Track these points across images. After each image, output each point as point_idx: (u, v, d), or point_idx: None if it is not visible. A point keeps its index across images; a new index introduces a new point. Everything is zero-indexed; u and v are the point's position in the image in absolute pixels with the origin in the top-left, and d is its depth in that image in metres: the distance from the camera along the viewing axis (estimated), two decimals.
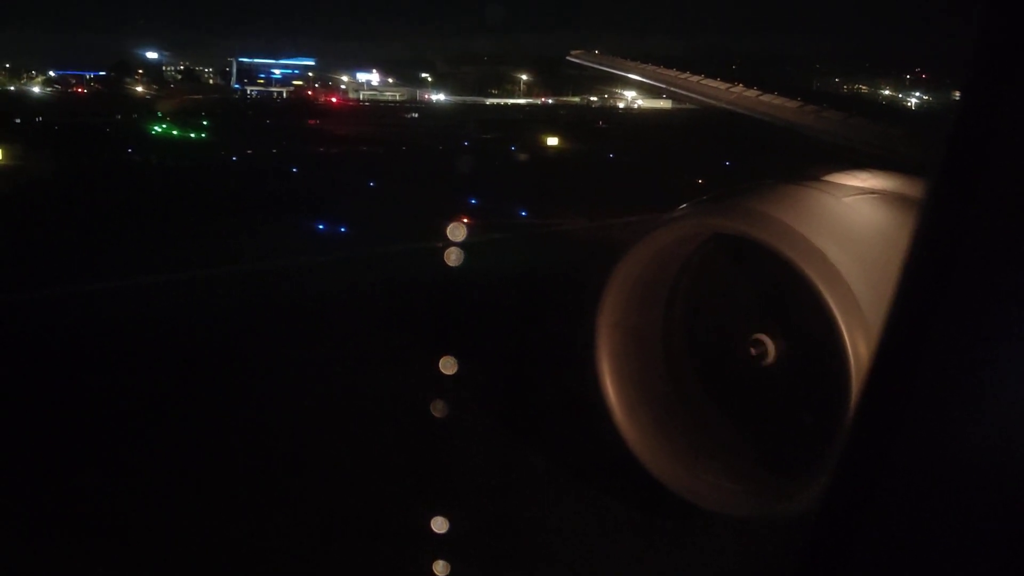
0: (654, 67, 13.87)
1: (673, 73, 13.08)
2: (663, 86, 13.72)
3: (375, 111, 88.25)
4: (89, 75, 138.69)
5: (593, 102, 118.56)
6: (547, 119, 71.34)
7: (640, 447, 5.19)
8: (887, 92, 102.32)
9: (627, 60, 15.32)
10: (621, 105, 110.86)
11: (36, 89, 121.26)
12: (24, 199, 21.04)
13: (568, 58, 17.38)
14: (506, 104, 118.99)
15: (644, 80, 14.40)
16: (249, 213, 19.59)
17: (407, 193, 23.98)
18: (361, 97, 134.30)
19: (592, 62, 16.88)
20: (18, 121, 49.37)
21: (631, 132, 60.21)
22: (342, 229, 18.73)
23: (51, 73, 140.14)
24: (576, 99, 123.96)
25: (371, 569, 5.54)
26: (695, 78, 12.30)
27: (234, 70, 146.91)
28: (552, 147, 44.60)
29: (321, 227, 18.76)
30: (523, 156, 39.95)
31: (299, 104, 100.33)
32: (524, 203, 21.55)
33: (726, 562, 5.71)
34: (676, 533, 6.03)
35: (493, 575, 5.54)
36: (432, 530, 5.47)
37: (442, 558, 5.21)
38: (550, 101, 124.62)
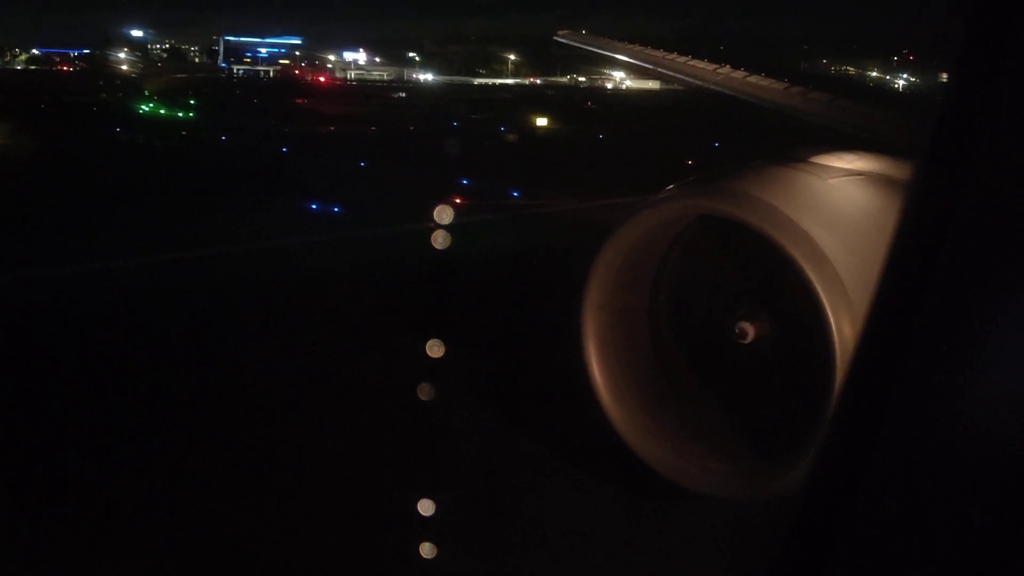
0: (642, 47, 13.78)
1: (660, 54, 13.01)
2: (651, 67, 13.65)
3: (363, 91, 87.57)
4: (74, 53, 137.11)
5: (581, 82, 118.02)
6: (535, 99, 71.04)
7: (627, 429, 5.19)
8: (874, 74, 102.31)
9: (615, 40, 15.24)
10: (609, 86, 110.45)
11: (20, 68, 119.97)
12: (10, 179, 20.85)
13: (556, 38, 17.28)
14: (494, 84, 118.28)
15: (632, 61, 14.30)
16: (238, 193, 19.49)
17: (396, 174, 23.90)
18: (349, 77, 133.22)
19: (580, 42, 16.79)
20: (1, 100, 48.85)
21: (619, 113, 60.00)
22: (334, 209, 18.66)
23: (35, 51, 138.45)
24: (564, 79, 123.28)
25: (359, 550, 5.54)
26: (682, 59, 12.23)
27: (221, 49, 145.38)
28: (541, 127, 44.51)
29: (312, 207, 18.67)
30: (512, 137, 39.83)
31: (287, 83, 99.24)
32: (513, 184, 21.50)
33: (713, 543, 5.74)
34: (663, 514, 6.06)
35: (480, 557, 5.55)
36: (419, 512, 5.47)
37: (429, 540, 5.23)
38: (538, 81, 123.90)
